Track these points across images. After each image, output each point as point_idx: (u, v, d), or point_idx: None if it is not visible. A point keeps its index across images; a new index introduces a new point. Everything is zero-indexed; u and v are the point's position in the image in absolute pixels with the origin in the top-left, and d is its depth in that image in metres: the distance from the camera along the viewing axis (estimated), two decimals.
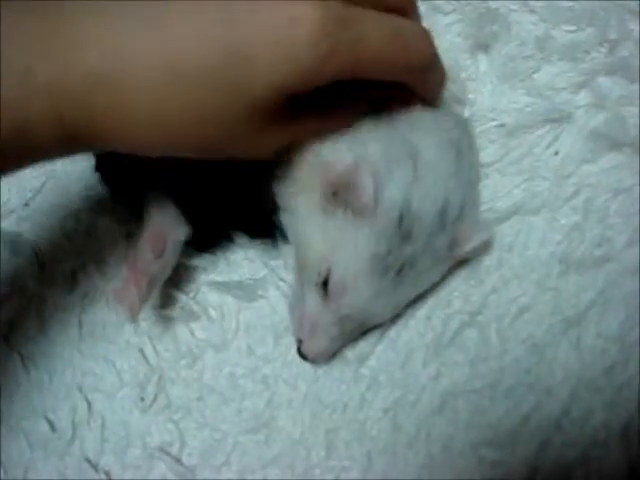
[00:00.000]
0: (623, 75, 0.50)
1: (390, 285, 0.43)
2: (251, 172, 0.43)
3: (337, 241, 0.43)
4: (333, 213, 0.42)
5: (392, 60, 0.39)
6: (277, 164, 0.43)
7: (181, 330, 0.51)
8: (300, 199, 0.44)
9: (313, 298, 0.44)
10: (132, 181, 0.48)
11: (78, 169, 0.54)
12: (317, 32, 0.34)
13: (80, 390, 0.51)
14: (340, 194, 0.41)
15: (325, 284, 0.43)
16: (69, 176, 0.55)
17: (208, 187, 0.45)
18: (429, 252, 0.43)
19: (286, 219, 0.46)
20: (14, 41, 0.33)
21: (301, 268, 0.46)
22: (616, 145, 0.49)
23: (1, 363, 0.52)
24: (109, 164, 0.49)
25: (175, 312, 0.51)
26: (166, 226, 0.47)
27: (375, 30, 0.37)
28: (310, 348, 0.45)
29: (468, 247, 0.45)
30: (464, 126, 0.48)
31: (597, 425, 0.45)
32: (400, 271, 0.42)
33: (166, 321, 0.51)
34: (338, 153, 0.42)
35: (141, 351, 0.51)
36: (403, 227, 0.41)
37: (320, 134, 0.42)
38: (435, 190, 0.42)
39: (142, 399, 0.50)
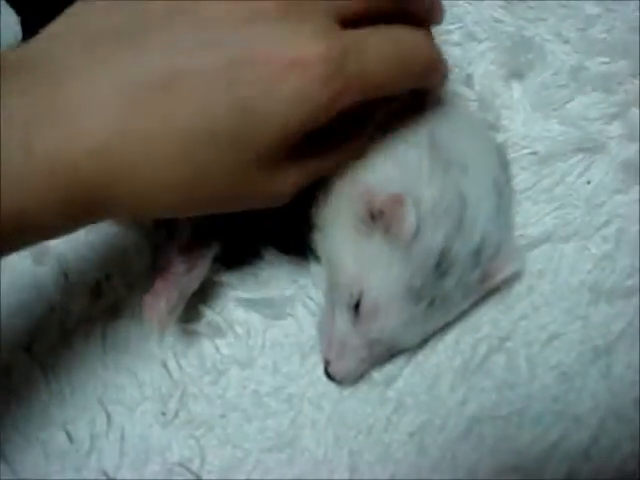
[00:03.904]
0: None
1: (421, 314, 0.43)
2: None
3: (371, 265, 0.42)
4: (369, 235, 0.42)
5: (398, 76, 0.38)
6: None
7: (206, 346, 0.51)
8: (335, 218, 0.44)
9: (343, 319, 0.44)
10: None
11: None
12: (324, 70, 0.33)
13: (100, 402, 0.50)
14: (380, 219, 0.41)
15: (357, 306, 0.43)
16: None
17: None
18: (462, 286, 0.43)
19: (319, 238, 0.46)
20: (11, 122, 0.31)
21: (332, 288, 0.46)
22: None
23: (21, 373, 0.51)
24: None
25: (201, 327, 0.50)
26: (197, 240, 0.47)
27: (378, 53, 0.36)
28: (338, 369, 0.45)
29: (499, 279, 0.45)
30: (505, 160, 0.49)
31: (625, 455, 0.45)
32: (432, 303, 0.42)
33: (191, 336, 0.51)
34: (385, 179, 0.42)
35: (164, 365, 0.50)
36: (440, 268, 0.41)
37: (337, 166, 0.42)
38: (474, 234, 0.42)
39: (163, 414, 0.50)
